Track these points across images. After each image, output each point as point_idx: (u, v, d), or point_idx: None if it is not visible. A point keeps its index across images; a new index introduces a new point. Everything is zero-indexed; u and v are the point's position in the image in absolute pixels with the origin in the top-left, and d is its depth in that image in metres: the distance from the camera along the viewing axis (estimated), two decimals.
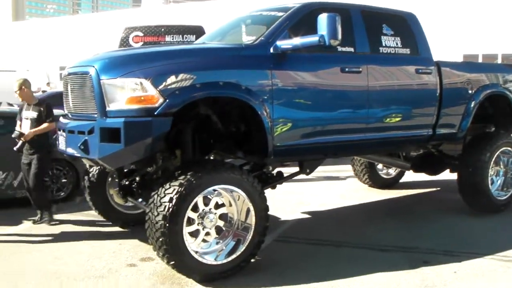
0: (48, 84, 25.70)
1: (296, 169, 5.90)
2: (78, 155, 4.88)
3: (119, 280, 4.83)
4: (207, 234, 4.83)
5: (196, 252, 4.71)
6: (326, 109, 5.56)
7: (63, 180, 8.02)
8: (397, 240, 5.87)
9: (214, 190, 4.72)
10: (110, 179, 6.41)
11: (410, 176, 8.92)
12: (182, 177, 4.50)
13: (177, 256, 4.51)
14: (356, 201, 7.97)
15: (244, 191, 4.77)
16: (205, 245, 4.88)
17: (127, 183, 5.85)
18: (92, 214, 6.73)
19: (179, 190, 4.42)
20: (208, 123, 5.24)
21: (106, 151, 4.59)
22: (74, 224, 6.75)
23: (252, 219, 4.86)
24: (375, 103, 5.90)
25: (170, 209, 4.40)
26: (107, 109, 4.63)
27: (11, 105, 15.13)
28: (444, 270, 4.98)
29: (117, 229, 6.46)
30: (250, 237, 4.87)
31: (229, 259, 4.79)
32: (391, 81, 6.09)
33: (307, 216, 7.16)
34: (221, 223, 4.89)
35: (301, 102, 5.34)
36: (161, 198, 4.48)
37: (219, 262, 4.75)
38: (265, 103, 4.98)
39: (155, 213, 4.47)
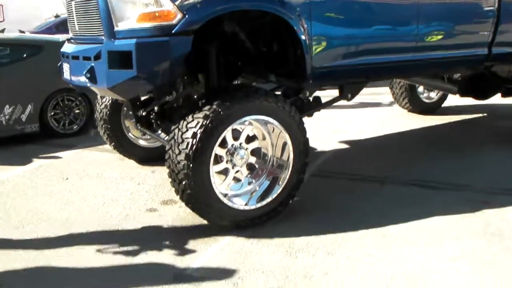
0: None
1: (335, 93, 5.14)
2: (85, 84, 4.15)
3: (138, 229, 4.21)
4: (238, 172, 4.15)
5: (225, 195, 4.04)
6: (371, 25, 4.72)
7: (76, 111, 7.36)
8: (447, 176, 5.11)
9: (245, 121, 3.98)
10: (125, 109, 5.73)
11: (452, 100, 8.09)
12: (207, 107, 3.76)
13: (203, 201, 3.84)
14: (396, 129, 7.20)
15: (280, 122, 4.03)
16: (235, 186, 4.22)
17: (144, 114, 5.16)
18: (108, 149, 6.10)
19: (204, 123, 3.70)
20: (235, 43, 4.45)
21: (116, 79, 3.85)
22: (88, 161, 6.12)
23: (289, 155, 4.15)
24: (426, 17, 5.03)
25: (194, 146, 3.69)
26: (116, 29, 3.86)
27: (22, 32, 14.44)
28: (510, 213, 4.26)
29: (135, 166, 5.82)
30: (287, 176, 4.18)
31: (264, 202, 4.11)
32: None
33: (345, 146, 6.44)
34: (253, 159, 4.19)
35: (343, 16, 4.50)
36: (183, 133, 3.77)
37: (252, 207, 4.08)
38: (302, 17, 4.15)
39: (176, 151, 3.77)
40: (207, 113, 3.72)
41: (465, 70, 6.33)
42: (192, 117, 3.77)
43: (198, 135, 3.69)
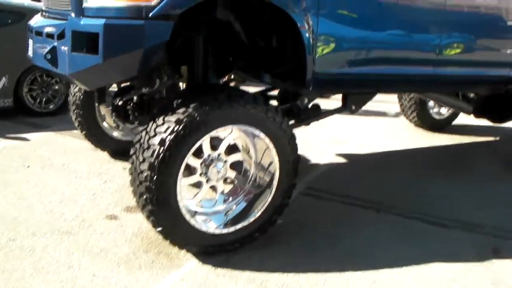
0: None
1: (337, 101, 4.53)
2: (47, 66, 3.53)
3: (89, 241, 3.60)
4: (212, 187, 3.54)
5: (195, 213, 3.45)
6: (388, 28, 4.12)
7: (55, 88, 6.73)
8: (454, 210, 4.47)
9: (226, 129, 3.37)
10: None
11: (464, 117, 7.46)
12: (182, 109, 3.14)
13: (166, 221, 3.24)
14: (400, 145, 6.57)
15: (268, 135, 3.41)
16: (207, 203, 3.61)
17: (120, 103, 4.54)
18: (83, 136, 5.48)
19: (175, 129, 3.08)
20: (228, 34, 3.83)
21: (79, 65, 3.23)
22: (57, 147, 5.51)
23: (275, 173, 3.54)
24: (451, 26, 4.45)
25: (161, 155, 3.08)
26: (85, 4, 3.25)
27: None
28: None
29: (106, 159, 5.22)
30: (269, 198, 3.57)
31: (238, 226, 3.51)
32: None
33: (342, 160, 5.82)
34: (232, 174, 3.58)
35: (358, 15, 3.89)
36: (150, 137, 3.16)
37: (225, 231, 3.48)
38: (308, 12, 3.54)
39: (140, 159, 3.17)
40: (181, 117, 3.10)
41: (484, 90, 5.71)
42: (163, 119, 3.16)
43: (167, 143, 3.07)
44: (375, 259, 3.58)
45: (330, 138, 6.56)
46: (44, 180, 4.56)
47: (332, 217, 4.22)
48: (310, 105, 4.34)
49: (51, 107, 6.72)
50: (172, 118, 3.11)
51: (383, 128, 7.41)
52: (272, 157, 3.50)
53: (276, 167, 3.51)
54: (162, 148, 3.07)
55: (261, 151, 3.55)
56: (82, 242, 3.57)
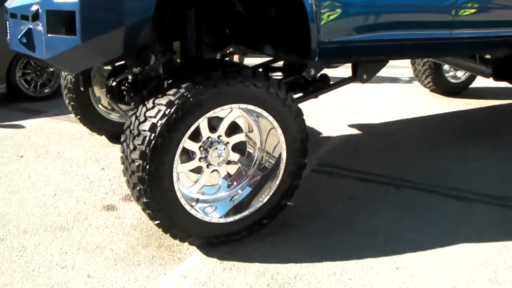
0: None
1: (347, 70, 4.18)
2: (25, 51, 3.20)
3: (84, 236, 3.33)
4: (214, 172, 3.23)
5: (196, 200, 3.16)
6: None
7: (50, 70, 6.42)
8: (479, 183, 4.14)
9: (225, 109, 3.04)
10: (96, 75, 4.79)
11: (481, 80, 7.04)
12: (173, 90, 2.81)
13: (163, 212, 2.94)
14: (416, 112, 6.21)
15: (271, 113, 3.08)
16: (210, 189, 3.32)
17: (114, 83, 4.20)
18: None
19: (166, 112, 2.76)
20: (221, 5, 3.48)
21: (56, 48, 2.90)
22: (52, 134, 5.22)
23: (281, 154, 3.22)
24: None
25: (153, 142, 2.76)
26: None
27: None
28: None
29: (105, 143, 4.93)
30: (277, 181, 3.26)
31: (245, 213, 3.22)
32: None
33: (355, 131, 5.48)
34: (235, 156, 3.27)
35: None
36: (140, 123, 2.85)
37: (230, 219, 3.18)
38: None
39: (131, 146, 2.86)
40: (172, 98, 2.78)
41: (504, 52, 5.30)
42: (153, 102, 2.84)
43: (158, 128, 2.76)
44: (396, 242, 3.28)
45: (341, 108, 6.21)
46: (38, 171, 4.28)
47: (347, 196, 3.90)
48: (317, 76, 3.99)
49: (46, 91, 6.42)
50: (163, 101, 2.79)
51: (396, 95, 7.04)
52: (277, 137, 3.17)
53: (282, 147, 3.19)
54: (153, 134, 2.75)
55: (266, 130, 3.23)
56: (76, 238, 3.30)
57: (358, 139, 5.29)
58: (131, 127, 2.90)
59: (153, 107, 2.81)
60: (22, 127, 5.38)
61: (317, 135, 5.27)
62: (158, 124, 2.75)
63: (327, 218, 3.58)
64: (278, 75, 4.13)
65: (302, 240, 3.30)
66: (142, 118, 2.83)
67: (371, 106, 6.40)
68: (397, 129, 5.57)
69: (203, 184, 3.23)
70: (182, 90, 2.78)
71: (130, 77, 4.06)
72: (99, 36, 2.78)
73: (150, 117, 2.79)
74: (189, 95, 2.77)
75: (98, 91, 4.83)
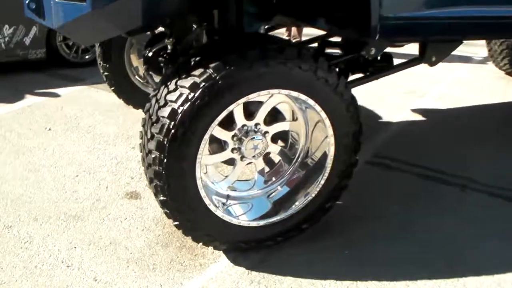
0: None
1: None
2: (33, 18, 2.79)
3: (99, 229, 2.95)
4: (250, 164, 2.76)
5: (227, 197, 2.71)
6: None
7: None
8: None
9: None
10: (133, 42, 4.38)
11: None
12: (199, 70, 2.33)
13: (184, 213, 2.50)
14: (490, 98, 5.49)
15: (318, 101, 2.55)
16: (243, 185, 2.85)
17: (150, 54, 3.75)
18: None
19: (189, 97, 2.29)
20: None
21: (66, 15, 2.45)
22: (87, 104, 4.86)
23: (329, 150, 2.70)
24: None
25: (172, 132, 2.30)
26: None
27: None
28: None
29: (141, 117, 4.51)
30: (322, 180, 2.75)
31: (281, 216, 2.74)
32: None
33: (419, 117, 4.86)
34: (274, 148, 2.77)
35: None
36: (159, 107, 2.39)
37: (263, 222, 2.71)
38: None
39: (148, 134, 2.42)
40: (197, 80, 2.30)
41: None
42: (175, 84, 2.37)
43: (180, 116, 2.29)
44: (461, 260, 2.72)
45: (405, 89, 5.57)
46: (64, 147, 3.93)
47: (406, 196, 3.36)
48: (379, 56, 3.41)
49: (87, 57, 6.06)
50: (186, 83, 2.31)
51: (467, 76, 6.31)
52: (325, 130, 2.65)
53: (330, 141, 2.67)
54: (173, 122, 2.29)
55: (312, 121, 2.71)
56: (90, 231, 2.91)
57: (422, 126, 4.67)
58: (151, 110, 2.45)
59: (175, 89, 2.35)
60: (57, 95, 5.05)
61: (376, 120, 4.70)
62: (179, 111, 2.28)
63: (379, 222, 3.06)
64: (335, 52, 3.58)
65: (346, 251, 2.80)
66: (162, 102, 2.38)
67: (439, 89, 5.73)
68: (467, 118, 4.91)
69: (235, 179, 2.76)
70: (209, 71, 2.29)
71: (169, 47, 3.59)
72: (112, 3, 2.31)
73: (171, 101, 2.32)
74: (217, 77, 2.28)
75: (136, 61, 4.42)
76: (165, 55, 3.60)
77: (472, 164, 3.81)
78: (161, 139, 2.31)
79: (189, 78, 2.32)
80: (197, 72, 2.31)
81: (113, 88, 4.43)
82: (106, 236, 2.87)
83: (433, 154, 3.98)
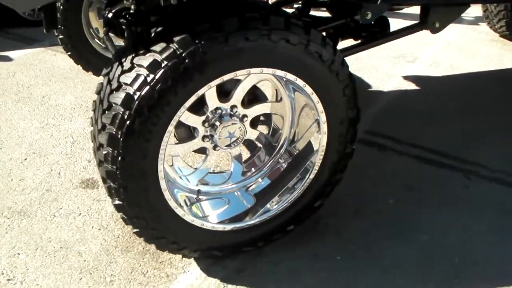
0: None
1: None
2: None
3: (48, 229, 2.49)
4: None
5: (198, 193, 2.27)
6: None
7: None
8: None
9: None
10: (93, 2, 3.83)
11: None
12: (161, 45, 1.83)
13: (144, 220, 2.05)
14: (486, 65, 5.06)
15: (309, 81, 2.09)
16: (216, 178, 2.41)
17: (109, 15, 3.20)
18: None
19: (148, 79, 1.80)
20: None
21: None
22: (43, 70, 4.31)
23: (320, 138, 2.25)
24: None
25: (127, 123, 1.82)
26: None
27: None
28: None
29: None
30: (311, 174, 2.32)
31: (263, 216, 2.31)
32: None
33: (411, 86, 4.42)
34: (253, 134, 2.30)
35: None
36: (111, 90, 1.90)
37: (240, 225, 2.28)
38: None
39: (99, 124, 1.93)
40: (158, 57, 1.81)
41: None
42: (131, 61, 1.87)
43: (136, 103, 1.81)
44: (466, 267, 2.34)
45: (394, 52, 5.12)
46: (12, 123, 3.42)
47: (403, 185, 2.95)
48: (374, 21, 2.94)
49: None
50: (144, 61, 1.82)
51: (460, 39, 5.85)
52: (316, 114, 2.20)
53: (323, 129, 2.22)
54: (128, 112, 1.81)
55: (301, 103, 2.26)
56: (37, 231, 2.46)
57: (416, 97, 4.24)
58: (101, 94, 1.97)
59: (130, 69, 1.86)
60: (9, 59, 4.48)
61: (366, 89, 4.26)
62: (136, 97, 1.80)
63: (374, 219, 2.66)
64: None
65: (338, 256, 2.39)
66: (115, 84, 1.89)
67: (431, 53, 5.28)
68: (464, 87, 4.48)
69: (207, 171, 2.32)
70: (173, 46, 1.80)
71: (132, 7, 3.06)
72: None
73: (126, 84, 1.83)
74: (183, 54, 1.79)
75: (95, 21, 3.87)
76: (127, 16, 3.06)
77: (477, 144, 3.41)
78: (113, 132, 1.84)
79: (148, 54, 1.83)
80: (158, 47, 1.82)
81: (69, 53, 3.88)
82: (56, 238, 2.42)
83: (432, 131, 3.57)
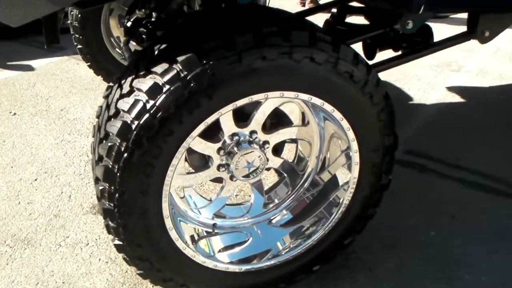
0: None
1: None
2: None
3: (51, 260, 2.27)
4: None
5: (213, 226, 2.01)
6: None
7: None
8: None
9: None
10: (113, 9, 3.63)
11: None
12: (162, 65, 1.58)
13: (148, 261, 1.81)
14: None
15: (338, 106, 1.80)
16: (234, 210, 2.15)
17: (129, 23, 2.98)
18: None
19: (148, 105, 1.55)
20: None
21: None
22: (64, 80, 4.14)
23: (351, 169, 1.96)
24: None
25: (124, 156, 1.58)
26: None
27: None
28: None
29: None
30: (341, 208, 2.03)
31: (283, 256, 2.03)
32: None
33: (457, 98, 4.07)
34: (276, 162, 2.02)
35: None
36: (109, 117, 1.66)
37: (259, 265, 2.01)
38: None
39: (96, 155, 1.70)
40: (159, 80, 1.56)
41: None
42: (130, 85, 1.63)
43: (134, 133, 1.56)
44: None
45: (438, 61, 4.77)
46: (26, 139, 3.24)
47: (448, 213, 2.63)
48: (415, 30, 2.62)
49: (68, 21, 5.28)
50: (144, 84, 1.57)
51: (509, 45, 5.45)
52: (346, 142, 1.91)
53: (354, 159, 1.93)
54: (125, 143, 1.56)
55: (328, 130, 1.98)
56: (40, 263, 2.25)
57: (461, 110, 3.89)
58: (100, 119, 1.73)
59: (129, 93, 1.61)
60: (31, 69, 4.34)
61: (406, 102, 3.94)
62: (134, 126, 1.55)
63: (412, 254, 2.34)
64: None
65: None
66: (112, 110, 1.65)
67: (477, 60, 4.91)
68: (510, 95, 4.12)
69: (224, 203, 2.06)
70: (177, 67, 1.55)
71: (154, 14, 2.83)
72: None
73: (123, 111, 1.59)
74: (188, 77, 1.53)
75: (117, 30, 3.68)
76: (148, 25, 2.84)
77: None
78: (110, 166, 1.59)
79: (148, 77, 1.58)
80: (160, 68, 1.57)
81: (88, 64, 3.69)
82: (59, 271, 2.20)
83: (479, 151, 3.22)
